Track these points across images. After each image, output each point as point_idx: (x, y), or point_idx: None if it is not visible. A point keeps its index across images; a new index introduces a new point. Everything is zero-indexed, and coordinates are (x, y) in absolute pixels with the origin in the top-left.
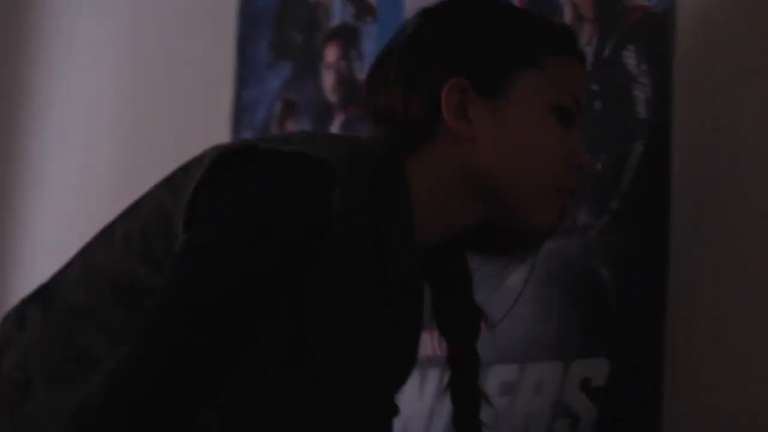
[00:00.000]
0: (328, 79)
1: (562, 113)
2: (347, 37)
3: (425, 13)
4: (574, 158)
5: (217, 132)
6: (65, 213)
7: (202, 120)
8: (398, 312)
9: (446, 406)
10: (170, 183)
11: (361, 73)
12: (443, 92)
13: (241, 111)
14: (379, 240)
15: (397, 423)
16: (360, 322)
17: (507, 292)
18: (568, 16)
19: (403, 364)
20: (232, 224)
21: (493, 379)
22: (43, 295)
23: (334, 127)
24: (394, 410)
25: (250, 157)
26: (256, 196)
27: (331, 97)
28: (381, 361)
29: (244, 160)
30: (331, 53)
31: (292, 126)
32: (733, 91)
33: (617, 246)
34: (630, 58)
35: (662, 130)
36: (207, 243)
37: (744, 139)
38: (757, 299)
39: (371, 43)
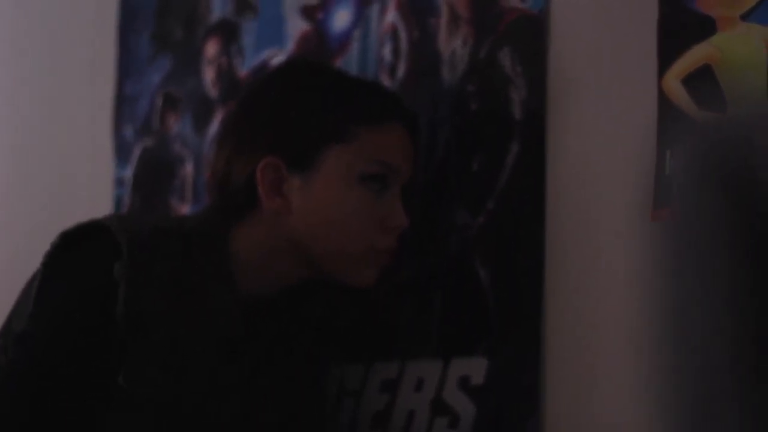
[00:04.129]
0: (209, 74)
1: (372, 181)
2: (227, 32)
3: (257, 84)
4: (389, 221)
5: (100, 124)
6: None
7: (85, 112)
8: (230, 363)
9: (329, 401)
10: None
11: (241, 68)
12: (258, 170)
13: (122, 103)
14: (192, 301)
15: None
16: (170, 371)
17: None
18: (444, 17)
19: (258, 406)
20: (38, 312)
21: (374, 376)
22: None
23: (215, 121)
24: None
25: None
26: (54, 280)
27: (212, 92)
28: (209, 406)
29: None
30: (211, 48)
31: (173, 120)
32: (606, 92)
33: (494, 245)
34: (505, 60)
35: (537, 130)
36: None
37: (616, 139)
38: (632, 298)
39: (251, 39)
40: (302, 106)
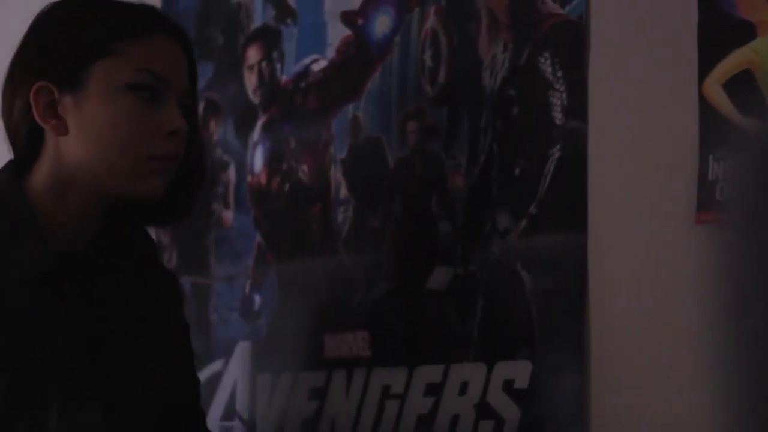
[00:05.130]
0: (250, 81)
1: (141, 91)
2: (269, 38)
3: (30, 25)
4: (165, 127)
5: None
6: None
7: None
8: (57, 305)
9: (373, 404)
10: None
11: (283, 74)
12: (31, 97)
13: None
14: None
15: (325, 422)
16: None
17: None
18: (484, 22)
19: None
20: None
21: (418, 380)
22: None
23: (257, 128)
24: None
25: None
26: None
27: (253, 98)
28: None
29: None
30: (252, 54)
31: (215, 126)
32: (647, 96)
33: (537, 249)
34: (546, 65)
35: (578, 135)
36: None
37: (657, 143)
38: (675, 301)
39: (292, 45)
40: (63, 27)
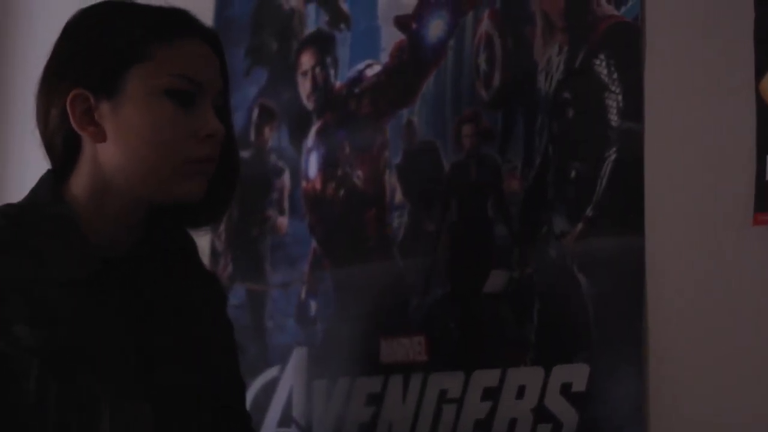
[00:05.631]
0: (304, 86)
1: (176, 95)
2: (322, 44)
3: (61, 32)
4: (202, 131)
5: None
6: None
7: None
8: (87, 303)
9: (430, 409)
10: None
11: (337, 79)
12: (67, 105)
13: None
14: (36, 259)
15: (382, 427)
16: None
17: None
18: (539, 25)
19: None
20: None
21: (475, 384)
22: None
23: (311, 133)
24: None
25: None
26: None
27: (308, 103)
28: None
29: None
30: (306, 60)
31: (269, 132)
32: (703, 97)
33: (593, 252)
34: (601, 67)
35: (634, 137)
36: None
37: (714, 144)
38: (733, 302)
39: (346, 51)
40: (96, 34)
